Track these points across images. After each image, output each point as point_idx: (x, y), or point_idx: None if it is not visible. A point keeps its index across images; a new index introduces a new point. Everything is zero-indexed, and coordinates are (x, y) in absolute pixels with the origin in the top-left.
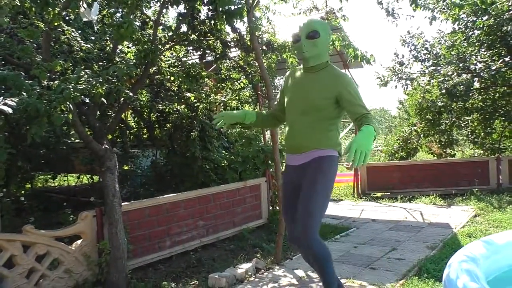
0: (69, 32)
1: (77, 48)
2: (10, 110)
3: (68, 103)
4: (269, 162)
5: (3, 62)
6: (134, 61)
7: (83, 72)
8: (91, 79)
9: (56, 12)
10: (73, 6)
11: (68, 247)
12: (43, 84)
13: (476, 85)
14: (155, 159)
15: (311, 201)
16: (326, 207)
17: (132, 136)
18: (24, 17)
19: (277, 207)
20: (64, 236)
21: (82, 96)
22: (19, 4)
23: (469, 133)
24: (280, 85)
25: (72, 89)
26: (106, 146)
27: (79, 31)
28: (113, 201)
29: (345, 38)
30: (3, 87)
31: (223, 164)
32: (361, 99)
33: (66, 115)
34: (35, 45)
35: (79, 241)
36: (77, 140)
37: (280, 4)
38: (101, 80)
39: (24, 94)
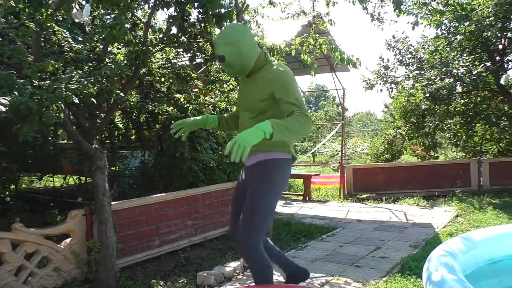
0: (60, 32)
1: (68, 49)
2: (3, 109)
3: (59, 102)
4: None
5: None
6: (125, 62)
7: (74, 72)
8: (82, 79)
9: (49, 13)
10: (65, 7)
11: (57, 245)
12: (34, 84)
13: (459, 89)
14: (144, 160)
15: (256, 207)
16: (272, 213)
17: (120, 137)
18: (15, 18)
19: None
20: (53, 234)
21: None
22: (14, 5)
23: (452, 136)
24: None
25: (64, 89)
26: (96, 146)
27: (68, 32)
28: (103, 200)
29: (332, 42)
30: None
31: (211, 165)
32: (293, 94)
33: (57, 114)
34: (25, 45)
35: (68, 240)
36: (63, 141)
37: (268, 8)
38: (92, 80)
39: (16, 93)
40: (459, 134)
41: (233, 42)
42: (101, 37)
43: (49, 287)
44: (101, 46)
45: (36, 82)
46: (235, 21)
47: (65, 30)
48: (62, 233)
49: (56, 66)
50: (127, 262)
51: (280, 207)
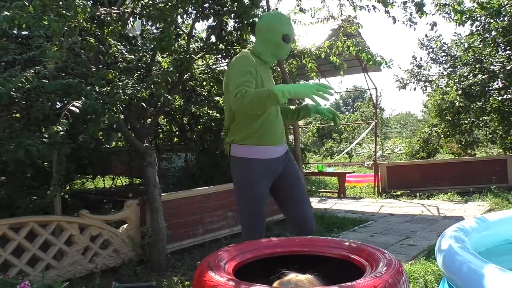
0: (115, 45)
1: (121, 60)
2: (77, 110)
3: (118, 105)
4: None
5: (59, 73)
6: (170, 69)
7: (129, 80)
8: (136, 85)
9: (110, 30)
10: (122, 24)
11: (116, 230)
12: (97, 90)
13: (495, 85)
14: (187, 159)
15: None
16: None
17: (164, 139)
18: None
19: None
20: (112, 220)
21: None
22: (85, 25)
23: (488, 132)
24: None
25: (121, 93)
26: (146, 144)
27: (120, 44)
28: (153, 191)
29: (360, 43)
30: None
31: None
32: None
33: (117, 115)
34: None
35: (125, 226)
36: (112, 146)
37: (299, 14)
38: (145, 85)
39: (83, 98)
40: (497, 130)
41: None
42: (149, 48)
43: (110, 266)
44: (148, 56)
45: (98, 88)
46: None
47: (119, 43)
48: (119, 219)
49: (113, 74)
50: (175, 248)
51: (315, 203)
